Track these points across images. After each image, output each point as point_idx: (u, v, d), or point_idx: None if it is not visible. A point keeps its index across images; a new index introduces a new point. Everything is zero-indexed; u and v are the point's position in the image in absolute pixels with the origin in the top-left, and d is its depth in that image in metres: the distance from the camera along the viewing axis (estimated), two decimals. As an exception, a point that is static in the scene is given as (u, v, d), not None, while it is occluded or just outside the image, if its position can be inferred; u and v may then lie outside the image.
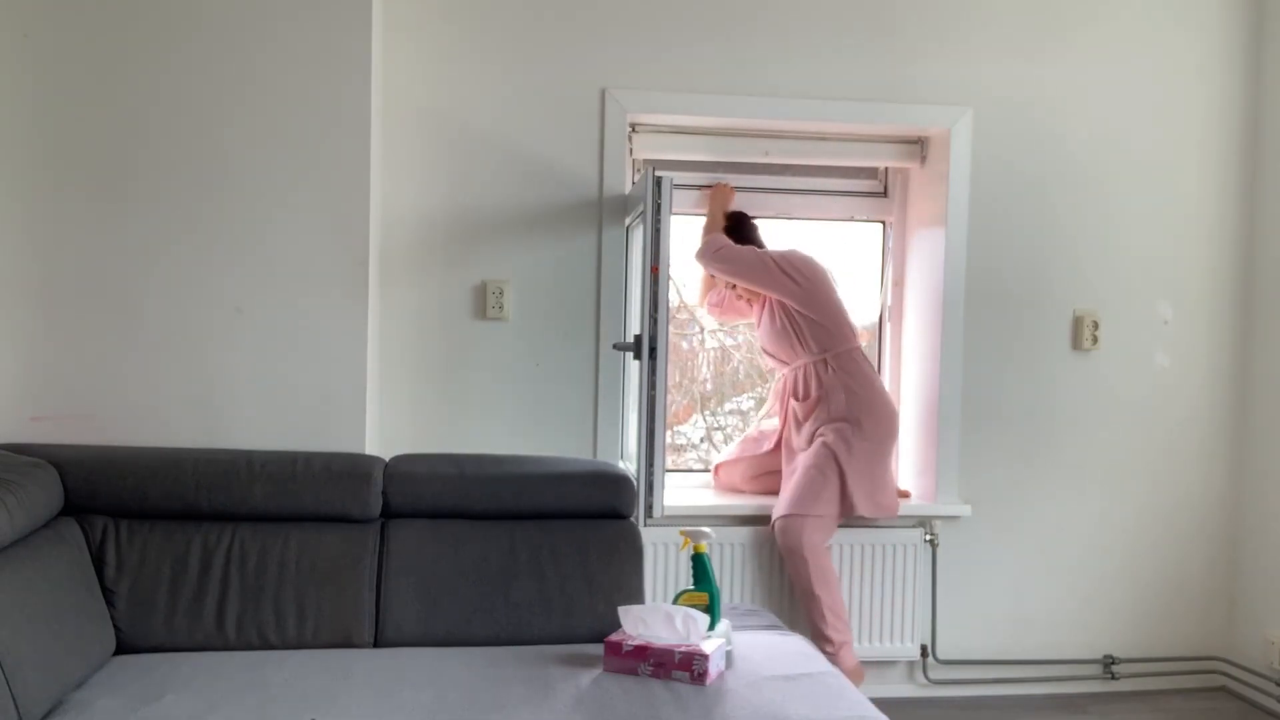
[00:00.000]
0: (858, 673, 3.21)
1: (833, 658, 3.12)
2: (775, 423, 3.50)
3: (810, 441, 3.27)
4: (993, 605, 3.51)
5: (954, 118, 3.39)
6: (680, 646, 2.24)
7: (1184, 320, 3.58)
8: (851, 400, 3.23)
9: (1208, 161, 3.56)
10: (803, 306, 3.26)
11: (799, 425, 3.32)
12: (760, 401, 3.93)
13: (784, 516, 3.20)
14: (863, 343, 3.45)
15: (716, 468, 3.56)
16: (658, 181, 2.63)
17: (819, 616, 3.17)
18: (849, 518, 3.27)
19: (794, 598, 3.33)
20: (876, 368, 3.61)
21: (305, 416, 2.81)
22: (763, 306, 3.41)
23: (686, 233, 3.52)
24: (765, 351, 3.47)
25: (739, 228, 3.41)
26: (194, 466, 2.53)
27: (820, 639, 3.16)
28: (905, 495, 3.37)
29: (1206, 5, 3.53)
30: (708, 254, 3.30)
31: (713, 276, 3.49)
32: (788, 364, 3.38)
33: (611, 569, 2.60)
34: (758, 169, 3.55)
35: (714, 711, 2.07)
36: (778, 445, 3.44)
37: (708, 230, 3.38)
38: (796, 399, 3.34)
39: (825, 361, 3.27)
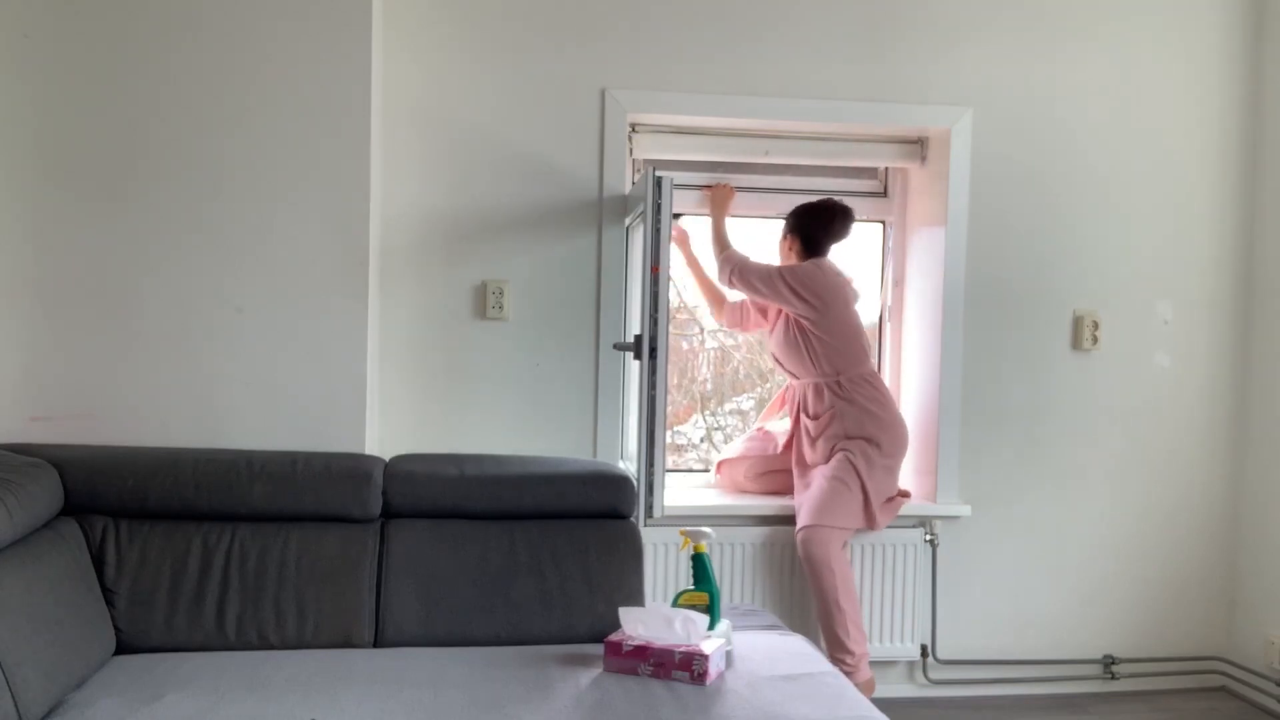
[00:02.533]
0: (870, 685, 3.19)
1: (851, 671, 3.10)
2: (785, 424, 3.48)
3: (829, 456, 3.24)
4: (993, 605, 3.51)
5: (954, 118, 3.39)
6: (680, 646, 2.24)
7: (1184, 320, 3.58)
8: (868, 419, 3.22)
9: (1208, 161, 3.56)
10: (814, 325, 3.24)
11: (812, 441, 3.30)
12: (761, 402, 3.92)
13: (809, 527, 3.16)
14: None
15: (719, 464, 3.55)
16: (658, 181, 2.63)
17: (841, 629, 3.13)
18: (864, 530, 3.27)
19: (795, 598, 3.32)
20: (876, 367, 3.60)
21: (305, 417, 2.81)
22: (778, 315, 3.40)
23: (689, 232, 3.53)
24: (775, 358, 3.45)
25: (808, 225, 3.34)
26: (194, 466, 2.52)
27: (840, 651, 3.13)
28: (905, 495, 3.36)
29: (1207, 5, 3.53)
30: (726, 278, 3.29)
31: (720, 292, 3.52)
32: (797, 377, 3.36)
33: (611, 569, 2.60)
34: (758, 169, 3.55)
35: (714, 711, 2.07)
36: (786, 446, 3.43)
37: (716, 236, 3.36)
38: (808, 415, 3.32)
39: (839, 383, 3.25)
